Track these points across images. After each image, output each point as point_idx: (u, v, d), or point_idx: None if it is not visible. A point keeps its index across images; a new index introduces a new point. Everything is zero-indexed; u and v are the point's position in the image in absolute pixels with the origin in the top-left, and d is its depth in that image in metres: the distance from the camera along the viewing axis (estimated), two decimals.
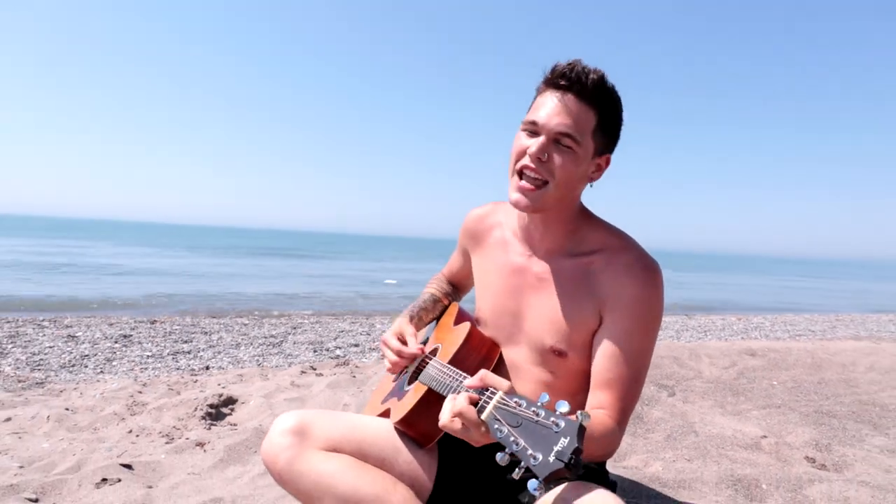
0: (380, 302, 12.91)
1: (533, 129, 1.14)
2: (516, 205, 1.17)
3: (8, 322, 6.50)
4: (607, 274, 1.17)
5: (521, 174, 1.16)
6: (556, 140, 1.12)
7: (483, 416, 0.91)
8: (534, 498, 1.19)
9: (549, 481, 0.79)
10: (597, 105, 1.12)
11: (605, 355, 1.15)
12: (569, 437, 0.80)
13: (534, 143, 1.13)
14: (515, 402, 0.89)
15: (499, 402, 0.91)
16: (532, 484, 0.80)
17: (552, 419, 0.83)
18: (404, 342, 1.42)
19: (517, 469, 0.83)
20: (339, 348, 5.77)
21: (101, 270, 16.65)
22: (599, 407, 1.13)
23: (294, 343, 5.98)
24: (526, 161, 1.14)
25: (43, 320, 6.83)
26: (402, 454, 1.28)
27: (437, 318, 1.55)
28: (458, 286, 1.60)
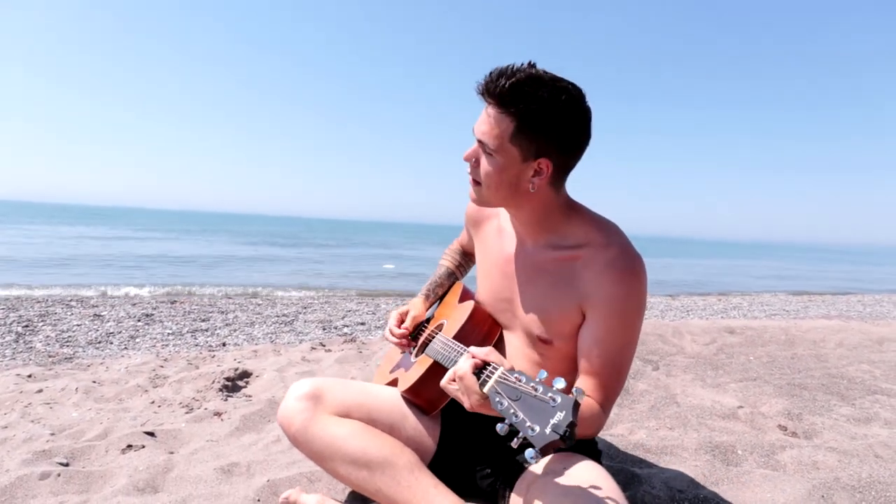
0: (382, 283, 12.94)
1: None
2: (471, 199, 1.20)
3: (38, 302, 6.51)
4: (589, 271, 1.13)
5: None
6: (482, 147, 1.10)
7: (485, 389, 0.93)
8: (522, 468, 1.21)
9: (546, 451, 0.81)
10: (513, 110, 1.04)
11: (588, 350, 1.14)
12: (564, 412, 0.81)
13: (469, 149, 1.15)
14: (516, 378, 0.90)
15: (500, 377, 0.92)
16: (529, 452, 0.81)
17: (549, 394, 0.84)
18: (403, 322, 1.47)
19: (515, 438, 0.85)
20: (347, 326, 5.78)
21: (123, 254, 16.65)
22: (585, 392, 1.13)
23: (304, 322, 5.99)
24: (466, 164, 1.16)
25: (70, 300, 6.84)
26: (409, 420, 1.29)
27: (443, 296, 1.57)
28: (470, 254, 1.62)
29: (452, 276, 1.59)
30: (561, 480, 1.04)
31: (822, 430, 2.17)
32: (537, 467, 1.14)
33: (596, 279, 1.12)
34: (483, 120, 1.08)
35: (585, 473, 1.05)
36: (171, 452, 1.85)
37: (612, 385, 1.14)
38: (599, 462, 1.26)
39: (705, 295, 12.10)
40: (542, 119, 1.04)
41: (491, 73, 1.05)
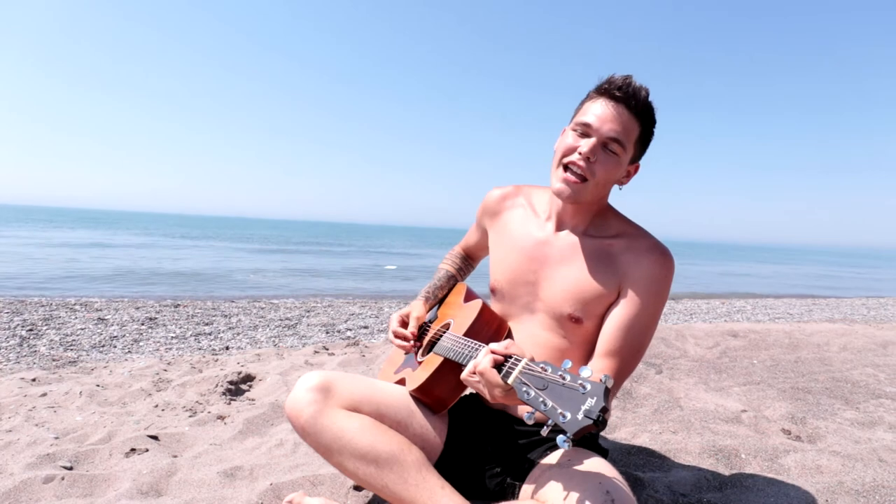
0: (385, 286, 12.95)
1: (585, 131, 1.19)
2: (559, 194, 1.22)
3: (42, 306, 6.53)
4: (628, 255, 1.22)
5: (565, 167, 1.21)
6: (605, 144, 1.17)
7: (510, 381, 0.95)
8: (533, 464, 1.21)
9: (578, 437, 0.83)
10: (642, 119, 1.19)
11: (615, 326, 1.19)
12: (596, 398, 0.83)
13: (585, 143, 1.18)
14: (541, 368, 0.92)
15: (525, 368, 0.94)
16: (560, 439, 0.83)
17: (579, 381, 0.86)
18: (406, 325, 1.47)
19: (545, 426, 0.87)
20: (350, 330, 5.79)
21: (127, 258, 16.70)
22: (599, 372, 1.18)
23: (308, 325, 6.00)
24: (574, 157, 1.19)
25: (74, 304, 6.86)
26: (417, 418, 1.30)
27: (443, 298, 1.57)
28: (472, 258, 1.65)
29: (453, 280, 1.61)
30: (570, 471, 1.07)
31: (826, 434, 2.16)
32: (547, 461, 1.17)
33: (636, 260, 1.21)
34: (615, 119, 1.17)
35: (594, 465, 1.08)
36: (175, 456, 1.86)
37: (626, 366, 1.19)
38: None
39: (709, 298, 12.07)
40: (650, 132, 1.24)
41: (628, 81, 1.17)
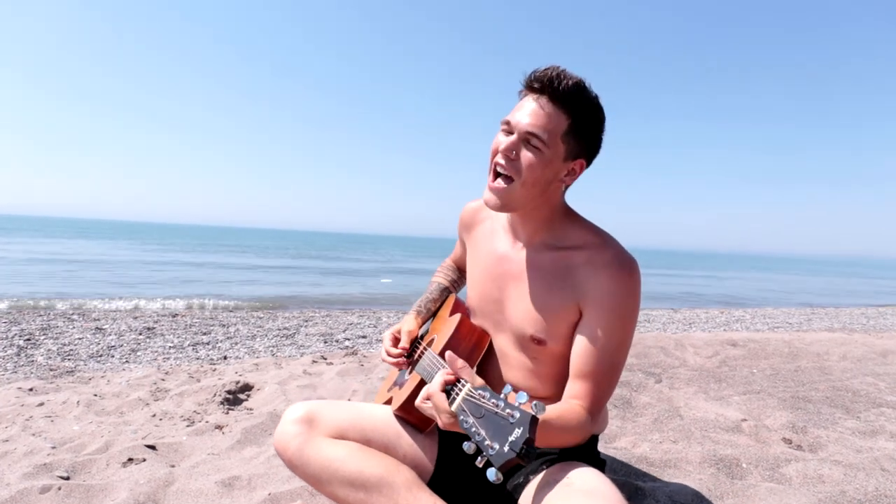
0: (383, 297, 12.93)
1: (507, 129, 1.13)
2: (487, 204, 1.16)
3: (40, 315, 6.51)
4: (587, 270, 1.14)
5: (495, 173, 1.15)
6: (526, 140, 1.10)
7: (453, 407, 0.91)
8: (527, 480, 1.20)
9: (504, 470, 0.79)
10: (569, 110, 1.09)
11: (583, 349, 1.13)
12: (521, 428, 0.79)
13: (504, 141, 1.12)
14: (479, 394, 0.88)
15: (467, 395, 0.90)
16: (490, 473, 0.79)
17: (508, 410, 0.82)
18: (398, 340, 1.44)
19: (479, 457, 0.83)
20: (348, 339, 5.77)
21: (126, 268, 16.67)
22: (575, 397, 1.12)
23: (306, 335, 5.98)
24: (498, 158, 1.13)
25: (72, 314, 6.84)
26: (404, 439, 1.29)
27: (437, 310, 1.56)
28: (463, 270, 1.60)
29: (446, 292, 1.57)
30: (562, 488, 1.04)
31: (828, 443, 2.16)
32: (542, 477, 1.14)
33: (594, 277, 1.13)
34: (535, 113, 1.09)
35: (589, 480, 1.05)
36: (173, 466, 1.84)
37: (603, 388, 1.13)
38: (602, 472, 1.26)
39: (708, 308, 12.07)
40: (589, 124, 1.12)
41: (548, 70, 1.08)
